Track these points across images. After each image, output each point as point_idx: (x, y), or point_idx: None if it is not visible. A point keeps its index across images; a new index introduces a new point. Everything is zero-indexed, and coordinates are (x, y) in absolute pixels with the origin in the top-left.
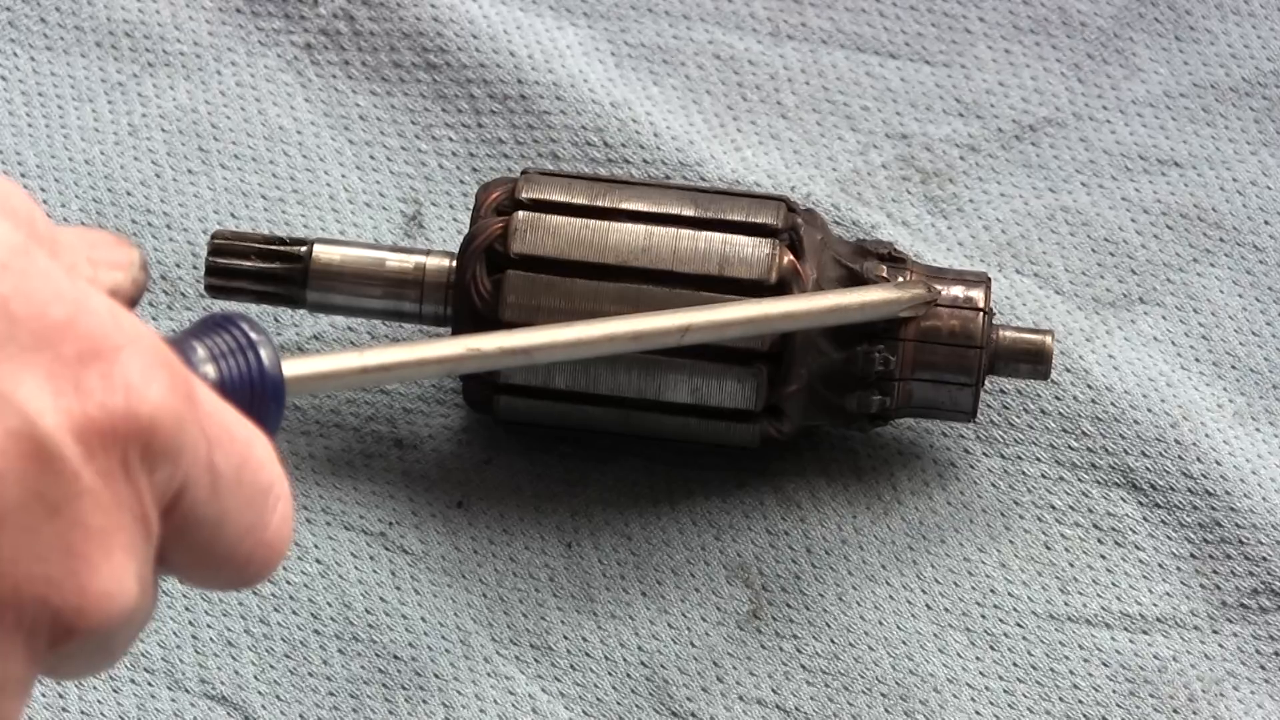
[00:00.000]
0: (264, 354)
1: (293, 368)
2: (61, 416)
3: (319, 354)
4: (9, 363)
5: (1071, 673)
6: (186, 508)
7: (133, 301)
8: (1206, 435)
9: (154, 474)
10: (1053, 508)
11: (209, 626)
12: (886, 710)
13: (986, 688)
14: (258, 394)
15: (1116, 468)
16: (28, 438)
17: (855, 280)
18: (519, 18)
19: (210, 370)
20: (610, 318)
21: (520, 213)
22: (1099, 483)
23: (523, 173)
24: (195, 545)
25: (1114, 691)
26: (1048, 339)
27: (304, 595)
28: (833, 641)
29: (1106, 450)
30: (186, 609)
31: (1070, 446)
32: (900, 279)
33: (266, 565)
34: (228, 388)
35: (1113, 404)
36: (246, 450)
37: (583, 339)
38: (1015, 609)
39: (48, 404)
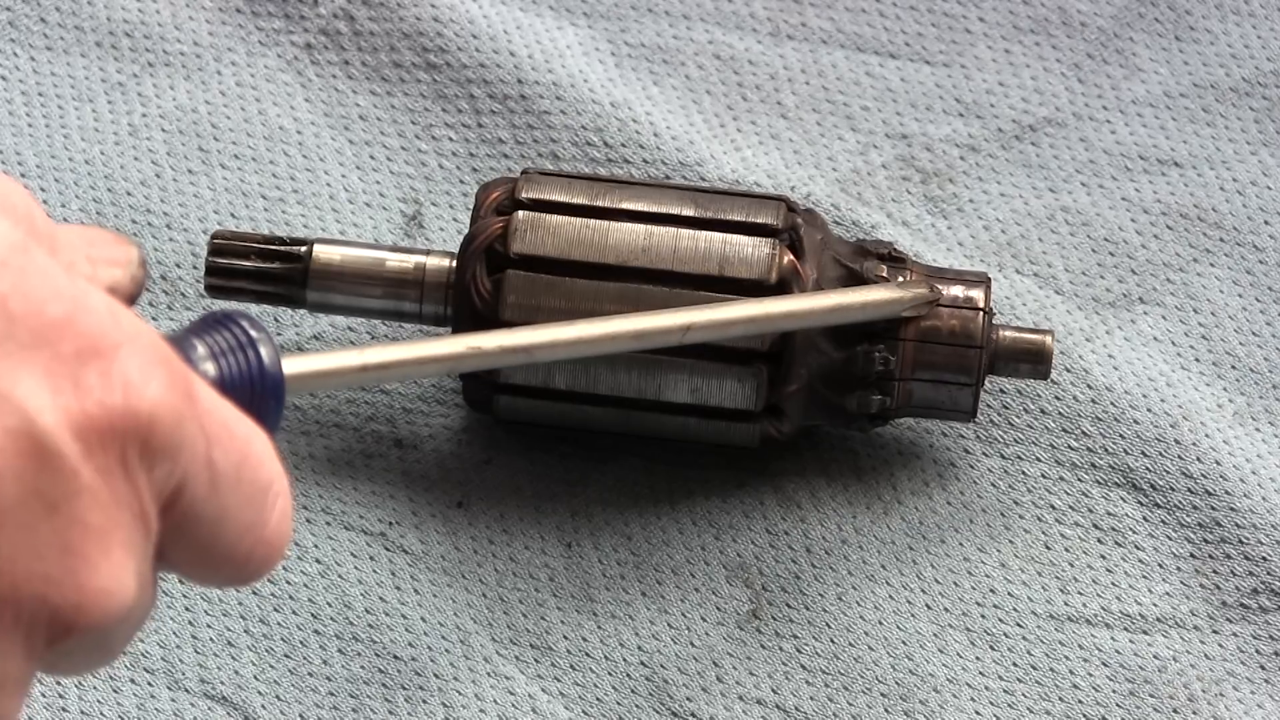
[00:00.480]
0: (264, 352)
1: (293, 366)
2: (60, 414)
3: (319, 352)
4: (7, 360)
5: (1071, 673)
6: (186, 505)
7: (131, 299)
8: (1206, 435)
9: (153, 471)
10: (1053, 508)
11: (209, 626)
12: (886, 710)
13: (986, 688)
14: (258, 392)
15: (1116, 468)
16: (26, 435)
17: (855, 280)
18: (519, 18)
19: (210, 368)
20: (612, 317)
21: (520, 213)
22: (1099, 483)
23: (523, 173)
24: (195, 542)
25: (1114, 691)
26: (1048, 339)
27: (304, 595)
28: (833, 641)
29: (1106, 450)
30: (186, 609)
31: (1070, 446)
32: (901, 279)
33: (267, 562)
34: (227, 385)
35: (1113, 404)
36: (246, 447)
37: (584, 338)
38: (1015, 609)
39: (46, 402)
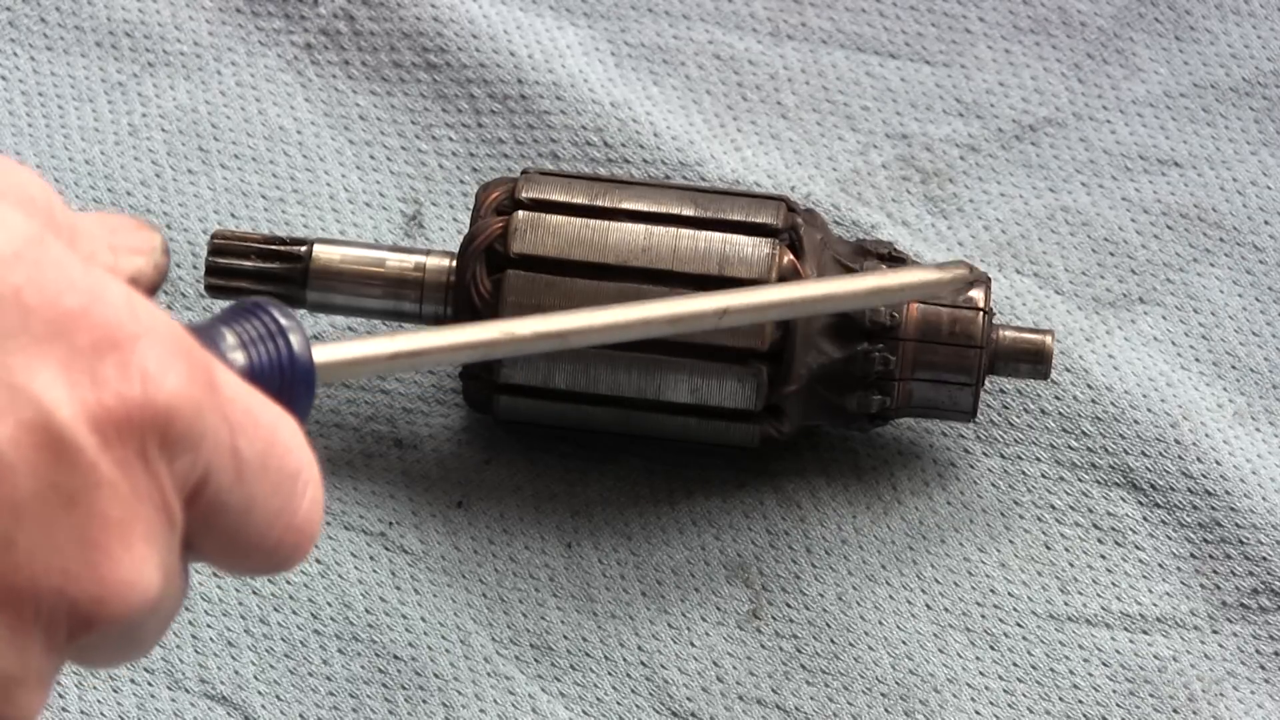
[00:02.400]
0: (294, 340)
1: (323, 354)
2: (77, 407)
3: (349, 340)
4: (23, 353)
5: (1071, 673)
6: (211, 495)
7: (155, 286)
8: (1206, 435)
9: (174, 463)
10: (1053, 508)
11: (209, 626)
12: (886, 710)
13: (986, 688)
14: (287, 380)
15: (1116, 468)
16: (43, 429)
17: None
18: (519, 18)
19: (239, 357)
20: (647, 301)
21: (520, 213)
22: (1099, 483)
23: (523, 173)
24: (222, 532)
25: (1114, 691)
26: (1048, 339)
27: (304, 595)
28: (833, 641)
29: (1106, 450)
30: (186, 609)
31: (1070, 446)
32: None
33: (298, 550)
34: (257, 374)
35: (1113, 404)
36: (272, 435)
37: (620, 322)
38: (1015, 609)
39: (63, 395)
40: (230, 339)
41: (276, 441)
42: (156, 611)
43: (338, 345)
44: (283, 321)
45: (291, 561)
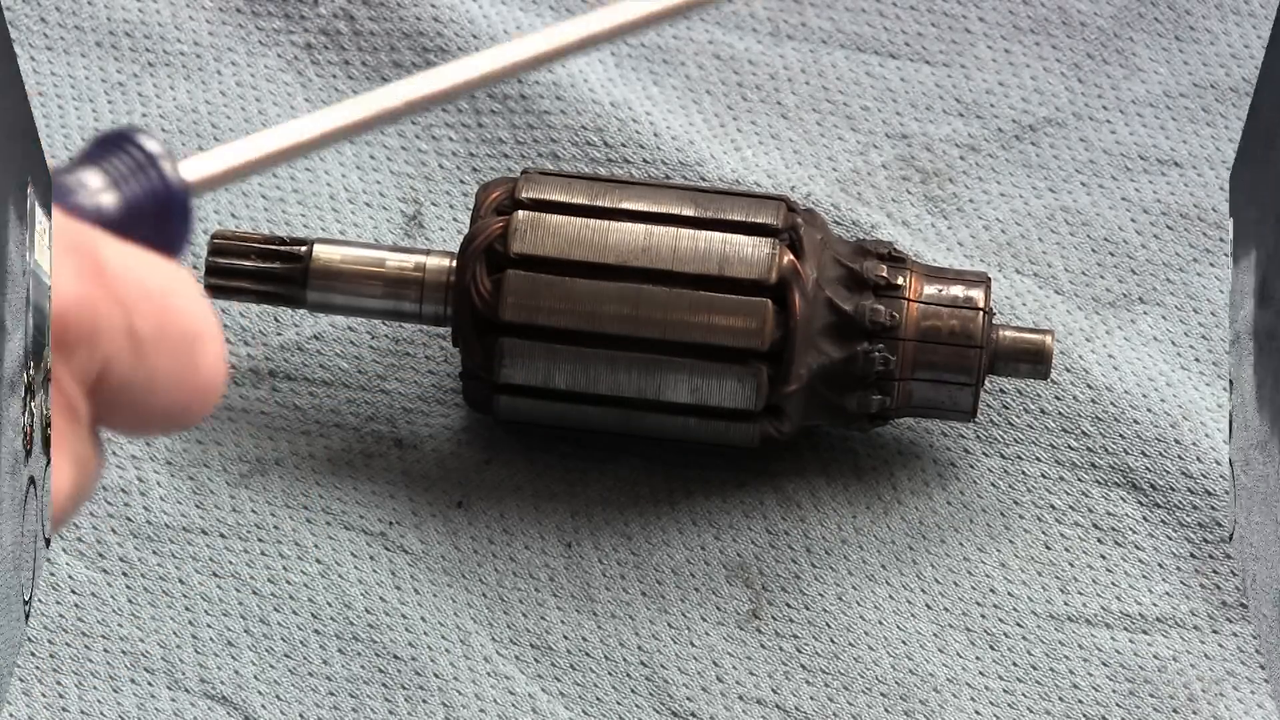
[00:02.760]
0: (165, 167)
1: (194, 170)
2: None
3: (216, 149)
4: None
5: (1071, 673)
6: (112, 379)
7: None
8: (1206, 435)
9: (70, 361)
10: (1053, 508)
11: (209, 626)
12: (886, 710)
13: (986, 688)
14: (164, 210)
15: (1116, 468)
16: None
17: (855, 279)
18: (519, 18)
19: (110, 198)
20: (499, 46)
21: (520, 213)
22: (1099, 483)
23: (523, 173)
24: (127, 407)
25: (1114, 691)
26: (1048, 339)
27: (304, 595)
28: (833, 641)
29: (1106, 450)
30: (186, 609)
31: (1070, 446)
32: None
33: (204, 407)
34: (133, 212)
35: (1113, 404)
36: (165, 303)
37: (486, 72)
38: (1015, 609)
39: None
40: (99, 180)
41: (170, 309)
42: (74, 498)
43: (206, 157)
44: (150, 149)
45: (197, 418)
